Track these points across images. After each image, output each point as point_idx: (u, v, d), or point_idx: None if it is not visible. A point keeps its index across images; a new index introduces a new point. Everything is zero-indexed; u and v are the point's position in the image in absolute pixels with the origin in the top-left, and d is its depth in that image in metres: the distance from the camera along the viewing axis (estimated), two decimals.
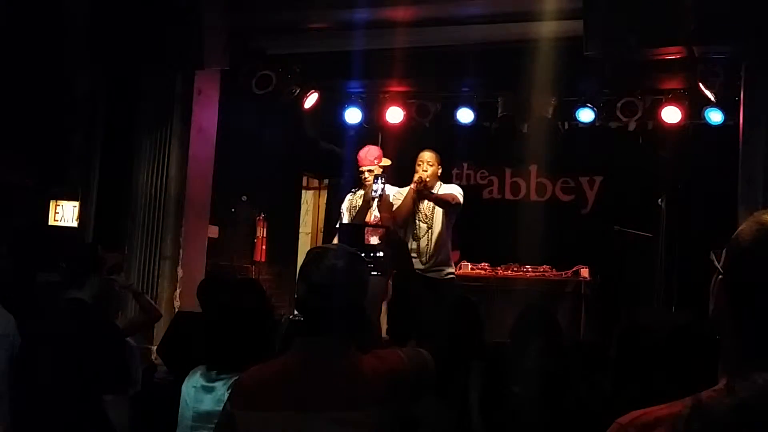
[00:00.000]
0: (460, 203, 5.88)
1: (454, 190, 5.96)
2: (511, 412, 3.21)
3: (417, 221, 5.96)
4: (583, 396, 3.20)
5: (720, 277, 1.28)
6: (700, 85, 6.31)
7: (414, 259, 5.46)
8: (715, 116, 6.96)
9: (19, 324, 3.51)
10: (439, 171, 6.01)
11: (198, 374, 2.68)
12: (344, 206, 6.27)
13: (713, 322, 1.29)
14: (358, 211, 6.02)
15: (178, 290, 6.63)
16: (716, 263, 1.29)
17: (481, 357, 3.35)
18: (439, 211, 5.91)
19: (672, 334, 2.87)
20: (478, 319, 3.57)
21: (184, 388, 2.69)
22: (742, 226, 1.27)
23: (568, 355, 3.59)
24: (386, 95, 8.05)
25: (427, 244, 5.91)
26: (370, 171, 5.97)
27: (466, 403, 3.26)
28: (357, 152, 6.21)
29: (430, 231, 5.93)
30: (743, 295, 1.23)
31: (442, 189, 5.99)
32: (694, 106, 7.05)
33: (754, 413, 0.72)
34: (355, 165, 6.21)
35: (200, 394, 2.63)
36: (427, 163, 5.91)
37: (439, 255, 5.90)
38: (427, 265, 5.87)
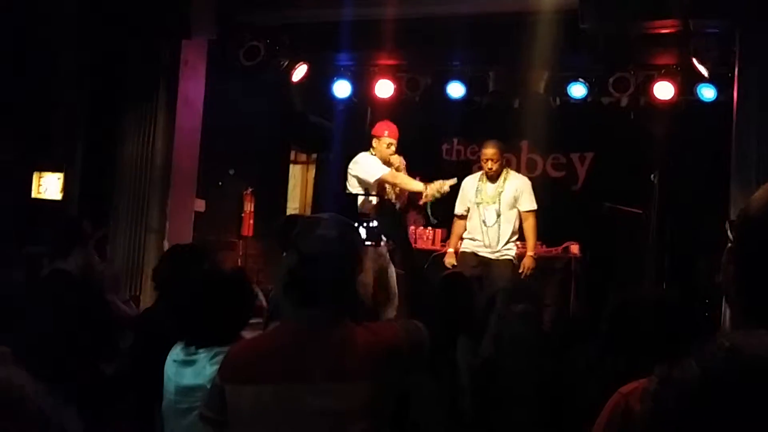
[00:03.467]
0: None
1: (529, 200, 6.47)
2: (497, 384, 3.20)
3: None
4: (565, 368, 3.20)
5: (730, 246, 1.26)
6: (694, 60, 6.26)
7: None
8: (707, 92, 6.93)
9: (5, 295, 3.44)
10: (504, 162, 6.54)
11: (178, 349, 2.64)
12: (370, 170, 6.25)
13: (722, 292, 1.28)
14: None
15: None
16: (729, 233, 1.27)
17: (470, 332, 3.34)
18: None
19: (663, 311, 2.85)
20: (469, 295, 3.55)
21: (167, 362, 2.65)
22: (754, 196, 1.25)
23: (552, 328, 3.59)
24: (376, 68, 7.96)
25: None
26: (392, 144, 6.27)
27: (455, 376, 3.25)
28: (347, 125, 6.28)
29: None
30: (751, 265, 1.21)
31: (508, 180, 6.47)
32: (687, 82, 7.01)
33: (719, 380, 0.70)
34: (352, 138, 6.30)
35: (181, 368, 2.59)
36: (491, 161, 6.41)
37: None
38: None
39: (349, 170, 6.24)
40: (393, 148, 6.25)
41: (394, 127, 6.33)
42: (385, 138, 6.26)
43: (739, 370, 0.67)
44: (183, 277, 2.98)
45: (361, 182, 6.16)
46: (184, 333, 2.66)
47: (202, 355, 2.55)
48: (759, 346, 0.68)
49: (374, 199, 5.68)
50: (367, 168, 6.17)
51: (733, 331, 1.20)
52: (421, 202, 6.25)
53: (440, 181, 6.11)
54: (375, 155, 6.28)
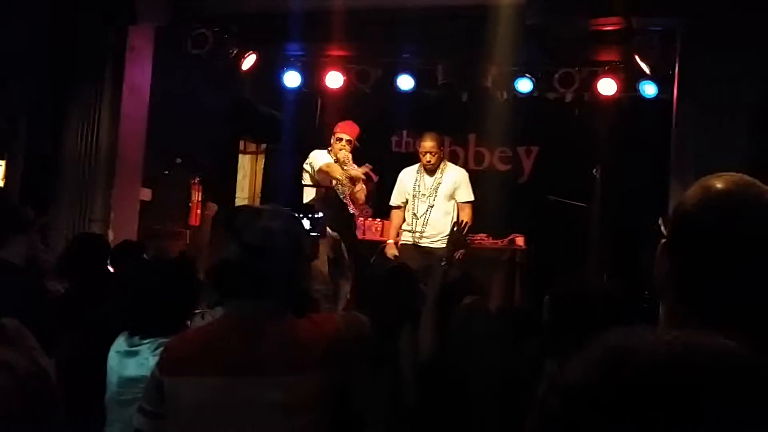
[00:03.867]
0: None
1: (467, 191, 6.52)
2: (442, 377, 3.24)
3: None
4: (512, 361, 3.25)
5: (664, 241, 1.29)
6: (636, 57, 6.40)
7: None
8: (649, 89, 7.08)
9: None
10: (441, 154, 6.66)
11: (122, 339, 2.62)
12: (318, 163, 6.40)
13: (656, 287, 1.30)
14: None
15: None
16: (662, 228, 1.30)
17: (413, 323, 3.37)
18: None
19: (603, 301, 2.93)
20: (413, 286, 3.58)
21: (110, 353, 2.62)
22: (688, 191, 1.28)
23: (496, 320, 3.64)
24: (326, 59, 7.93)
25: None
26: (349, 142, 6.43)
27: (398, 368, 3.27)
28: (297, 115, 6.33)
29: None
30: (685, 260, 1.24)
31: (448, 170, 6.55)
32: (630, 79, 7.15)
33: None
34: (302, 128, 6.29)
35: (124, 359, 2.57)
36: (429, 154, 6.50)
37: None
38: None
39: (304, 165, 6.43)
40: (345, 143, 6.42)
41: (349, 125, 6.56)
42: (339, 133, 6.45)
43: (618, 372, 0.68)
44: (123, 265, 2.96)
45: (311, 177, 6.28)
46: (127, 323, 2.64)
47: (146, 346, 2.52)
48: (643, 346, 0.69)
49: (320, 191, 5.77)
50: (314, 162, 6.37)
51: (683, 326, 1.23)
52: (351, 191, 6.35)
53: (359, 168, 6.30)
54: (330, 152, 6.43)
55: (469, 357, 3.28)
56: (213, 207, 5.06)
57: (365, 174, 6.35)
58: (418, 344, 3.28)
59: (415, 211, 6.52)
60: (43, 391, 1.30)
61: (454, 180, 6.56)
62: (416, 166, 6.71)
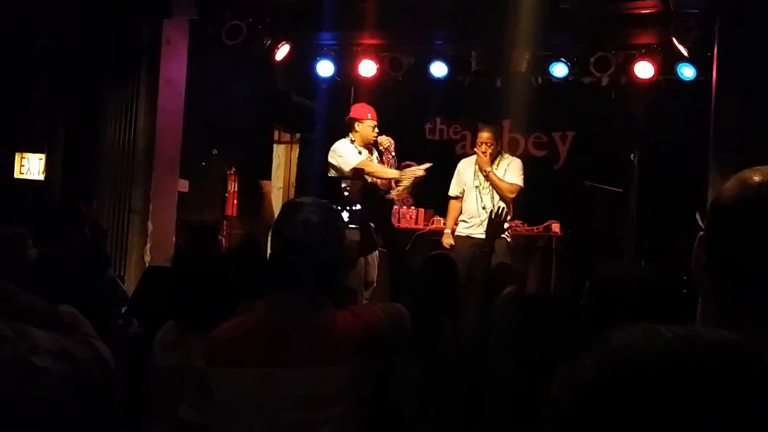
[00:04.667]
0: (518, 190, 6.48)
1: (516, 175, 6.46)
2: (481, 367, 3.25)
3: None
4: (549, 351, 3.24)
5: (701, 234, 1.29)
6: (674, 39, 6.30)
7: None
8: (687, 72, 6.97)
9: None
10: (499, 146, 6.60)
11: (167, 329, 2.65)
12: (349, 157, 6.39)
13: (694, 279, 1.31)
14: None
15: (148, 244, 6.56)
16: (700, 222, 1.30)
17: (453, 313, 3.37)
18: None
19: (643, 287, 2.90)
20: (454, 275, 3.59)
21: (154, 343, 2.66)
22: (726, 185, 1.28)
23: (535, 310, 3.63)
24: (359, 48, 7.93)
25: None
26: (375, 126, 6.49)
27: (437, 358, 3.29)
28: (331, 105, 6.41)
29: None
30: (721, 253, 1.24)
31: (502, 163, 6.50)
32: (667, 62, 7.04)
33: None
34: (335, 117, 6.80)
35: (169, 349, 2.59)
36: (485, 145, 6.42)
37: None
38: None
39: (329, 158, 6.40)
40: (377, 129, 6.40)
41: (372, 109, 6.50)
42: (369, 121, 6.40)
43: (626, 370, 0.69)
44: (160, 301, 2.98)
45: (337, 170, 6.26)
46: (176, 313, 2.66)
47: (192, 338, 2.53)
48: (651, 345, 0.70)
49: (356, 183, 5.79)
50: (341, 158, 6.34)
51: (719, 318, 1.23)
52: (396, 193, 6.40)
53: (414, 168, 6.24)
54: (354, 140, 6.39)
55: (507, 347, 3.28)
56: (268, 184, 5.12)
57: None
58: (457, 333, 3.29)
59: (483, 204, 6.44)
60: (101, 378, 1.34)
61: (506, 168, 6.52)
62: (473, 157, 6.68)
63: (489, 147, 6.45)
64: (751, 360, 0.69)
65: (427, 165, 6.43)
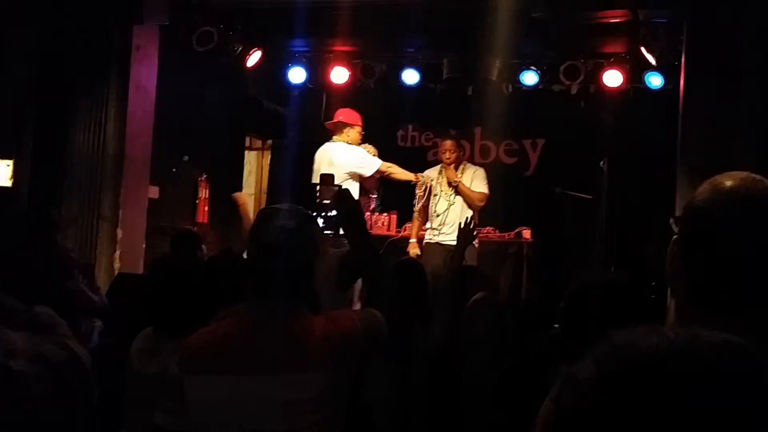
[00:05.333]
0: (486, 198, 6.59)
1: (482, 183, 6.57)
2: (452, 372, 3.26)
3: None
4: (520, 355, 3.27)
5: (675, 238, 1.32)
6: (642, 48, 6.40)
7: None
8: (655, 80, 7.08)
9: None
10: (462, 154, 6.76)
11: (145, 336, 2.63)
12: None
13: (668, 283, 1.33)
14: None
15: (117, 252, 6.49)
16: (673, 227, 1.33)
17: (423, 318, 3.39)
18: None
19: (618, 293, 2.93)
20: (421, 281, 3.60)
21: (131, 350, 2.63)
22: (699, 190, 1.30)
23: (505, 315, 3.66)
24: (331, 55, 7.94)
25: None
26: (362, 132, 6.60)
27: (408, 364, 3.29)
28: (303, 111, 7.27)
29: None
30: (695, 257, 1.27)
31: (467, 172, 6.61)
32: (636, 70, 7.15)
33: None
34: (313, 124, 7.16)
35: (146, 356, 2.58)
36: (449, 152, 6.57)
37: None
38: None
39: (337, 161, 6.30)
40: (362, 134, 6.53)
41: (359, 115, 6.58)
42: (358, 126, 6.49)
43: (629, 368, 0.70)
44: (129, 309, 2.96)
45: (353, 176, 6.25)
46: (155, 320, 2.64)
47: (169, 345, 2.53)
48: (649, 343, 0.72)
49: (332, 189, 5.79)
50: (367, 160, 6.43)
51: (693, 319, 1.24)
52: (419, 192, 6.59)
53: (429, 175, 6.54)
54: (349, 144, 6.42)
55: (478, 352, 3.30)
56: (241, 196, 5.07)
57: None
58: (428, 339, 3.30)
59: (436, 209, 6.56)
60: (76, 380, 1.32)
61: (470, 177, 6.62)
62: (439, 166, 6.77)
63: (452, 153, 6.58)
64: (752, 360, 0.70)
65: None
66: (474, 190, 6.56)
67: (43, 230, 3.41)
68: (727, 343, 0.71)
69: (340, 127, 6.48)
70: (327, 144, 6.56)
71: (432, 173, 6.78)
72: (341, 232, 2.36)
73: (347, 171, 6.26)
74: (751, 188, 1.27)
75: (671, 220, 1.37)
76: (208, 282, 2.64)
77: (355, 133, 6.47)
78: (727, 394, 0.67)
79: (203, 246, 4.51)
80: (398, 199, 7.53)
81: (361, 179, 6.44)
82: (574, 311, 2.70)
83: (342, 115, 6.57)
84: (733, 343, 0.71)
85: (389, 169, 6.53)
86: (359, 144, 6.52)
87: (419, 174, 6.66)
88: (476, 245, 6.46)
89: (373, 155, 6.57)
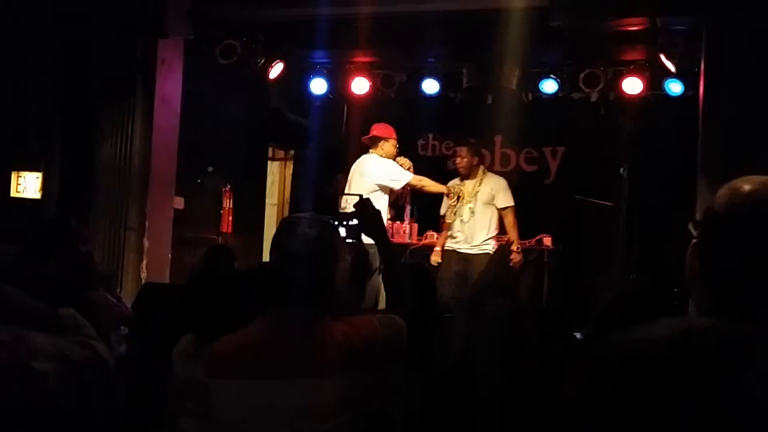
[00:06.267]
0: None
1: (506, 197, 6.70)
2: (470, 379, 3.29)
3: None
4: (540, 363, 3.29)
5: (694, 242, 1.35)
6: (661, 56, 6.41)
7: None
8: (675, 87, 7.08)
9: None
10: (475, 161, 6.76)
11: (187, 342, 2.67)
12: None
13: (686, 287, 1.36)
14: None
15: (144, 262, 6.60)
16: (692, 231, 1.36)
17: (437, 321, 3.42)
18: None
19: (647, 301, 2.95)
20: (428, 284, 3.64)
21: (173, 355, 2.67)
22: (718, 194, 1.33)
23: (526, 321, 3.68)
24: (351, 66, 8.02)
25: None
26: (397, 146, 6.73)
27: (427, 370, 3.33)
28: (324, 122, 7.52)
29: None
30: (714, 261, 1.30)
31: (486, 181, 6.70)
32: (655, 77, 7.15)
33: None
34: (334, 135, 7.40)
35: (187, 362, 2.60)
36: (460, 158, 6.74)
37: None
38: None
39: (369, 174, 6.44)
40: (398, 148, 6.63)
41: (394, 129, 6.69)
42: (393, 140, 6.59)
43: (623, 359, 0.75)
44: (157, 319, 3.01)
45: (383, 188, 6.34)
46: (195, 327, 2.69)
47: (208, 350, 2.55)
48: (647, 335, 0.77)
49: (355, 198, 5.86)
50: (398, 173, 6.51)
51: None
52: (450, 203, 6.67)
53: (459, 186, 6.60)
54: (383, 156, 6.53)
55: (495, 359, 3.32)
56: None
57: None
58: (447, 345, 3.34)
59: (462, 217, 6.64)
60: (99, 379, 1.35)
61: (492, 187, 6.68)
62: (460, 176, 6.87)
63: (462, 159, 6.71)
64: (733, 341, 0.75)
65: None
66: (499, 206, 6.64)
67: (64, 241, 3.47)
68: (713, 327, 0.76)
69: (375, 141, 6.63)
70: (363, 156, 6.73)
71: (454, 182, 6.84)
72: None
73: (377, 182, 6.41)
74: None
75: (690, 225, 1.39)
76: (247, 291, 2.69)
77: (389, 146, 6.59)
78: (711, 375, 0.72)
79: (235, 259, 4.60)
80: (419, 207, 7.60)
81: (393, 191, 6.56)
82: (608, 319, 2.72)
83: (376, 129, 6.71)
84: (719, 326, 0.76)
85: (421, 182, 6.64)
86: (395, 157, 6.61)
87: (450, 185, 6.74)
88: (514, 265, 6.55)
89: (408, 168, 6.66)
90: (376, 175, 6.43)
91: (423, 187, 6.69)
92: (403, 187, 6.62)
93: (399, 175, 6.53)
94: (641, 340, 0.77)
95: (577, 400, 0.78)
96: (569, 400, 0.81)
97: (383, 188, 6.44)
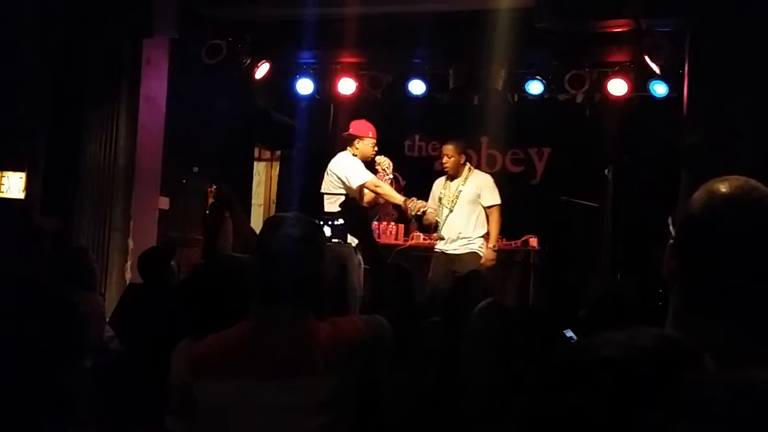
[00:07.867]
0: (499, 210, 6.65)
1: (492, 195, 6.61)
2: (456, 378, 3.30)
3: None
4: (525, 363, 3.30)
5: (671, 242, 1.35)
6: (646, 57, 6.45)
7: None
8: (659, 88, 7.12)
9: None
10: (462, 160, 6.66)
11: (185, 343, 2.64)
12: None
13: (665, 284, 1.38)
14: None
15: (129, 262, 6.57)
16: (671, 226, 1.37)
17: (422, 320, 3.43)
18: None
19: (633, 300, 2.98)
20: (406, 282, 3.65)
21: (173, 356, 2.65)
22: (695, 194, 1.34)
23: (512, 322, 3.69)
24: (338, 66, 8.02)
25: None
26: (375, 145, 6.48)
27: (416, 366, 3.33)
28: (310, 122, 6.99)
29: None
30: (690, 260, 1.31)
31: (471, 178, 6.62)
32: (640, 79, 7.18)
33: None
34: (320, 135, 7.17)
35: (179, 362, 2.58)
36: (446, 156, 6.63)
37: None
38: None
39: (332, 170, 6.28)
40: (376, 148, 6.42)
41: (373, 127, 6.47)
42: (370, 139, 6.40)
43: (574, 370, 0.77)
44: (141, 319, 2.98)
45: (344, 185, 6.19)
46: (192, 328, 2.64)
47: None
48: (595, 345, 0.79)
49: (341, 198, 5.81)
50: (354, 172, 6.23)
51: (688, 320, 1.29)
52: (408, 215, 6.52)
53: (422, 202, 6.31)
54: (356, 155, 6.36)
55: (486, 357, 3.33)
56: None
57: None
58: (434, 343, 3.34)
59: (438, 217, 6.61)
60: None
61: (477, 185, 6.63)
62: (445, 175, 6.82)
63: (449, 158, 6.63)
64: (684, 349, 0.77)
65: (433, 207, 6.55)
66: (484, 204, 6.59)
67: (32, 241, 3.46)
68: (661, 336, 0.77)
69: (350, 139, 6.45)
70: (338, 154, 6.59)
71: (439, 182, 6.83)
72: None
73: (338, 176, 6.22)
74: (746, 193, 1.29)
75: (669, 219, 1.41)
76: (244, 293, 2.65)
77: (363, 145, 6.34)
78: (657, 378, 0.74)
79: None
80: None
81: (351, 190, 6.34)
82: (596, 319, 2.74)
83: (353, 127, 6.51)
84: (667, 336, 0.78)
85: (377, 188, 6.26)
86: (372, 156, 6.45)
87: (408, 200, 6.34)
88: (481, 253, 6.50)
89: (387, 167, 6.46)
90: (337, 170, 6.25)
91: (379, 193, 6.31)
92: (359, 188, 6.24)
93: (356, 174, 6.20)
94: (618, 347, 0.79)
95: (540, 404, 0.81)
96: (533, 403, 0.83)
97: (343, 185, 6.20)
